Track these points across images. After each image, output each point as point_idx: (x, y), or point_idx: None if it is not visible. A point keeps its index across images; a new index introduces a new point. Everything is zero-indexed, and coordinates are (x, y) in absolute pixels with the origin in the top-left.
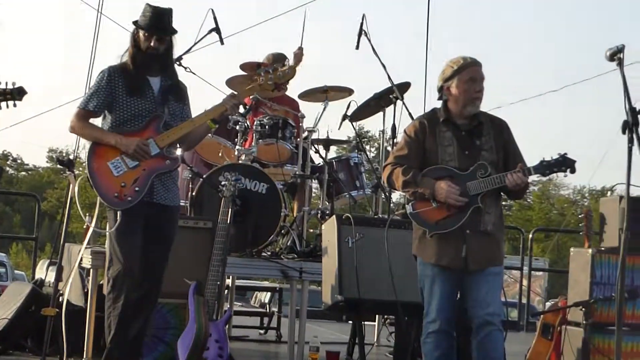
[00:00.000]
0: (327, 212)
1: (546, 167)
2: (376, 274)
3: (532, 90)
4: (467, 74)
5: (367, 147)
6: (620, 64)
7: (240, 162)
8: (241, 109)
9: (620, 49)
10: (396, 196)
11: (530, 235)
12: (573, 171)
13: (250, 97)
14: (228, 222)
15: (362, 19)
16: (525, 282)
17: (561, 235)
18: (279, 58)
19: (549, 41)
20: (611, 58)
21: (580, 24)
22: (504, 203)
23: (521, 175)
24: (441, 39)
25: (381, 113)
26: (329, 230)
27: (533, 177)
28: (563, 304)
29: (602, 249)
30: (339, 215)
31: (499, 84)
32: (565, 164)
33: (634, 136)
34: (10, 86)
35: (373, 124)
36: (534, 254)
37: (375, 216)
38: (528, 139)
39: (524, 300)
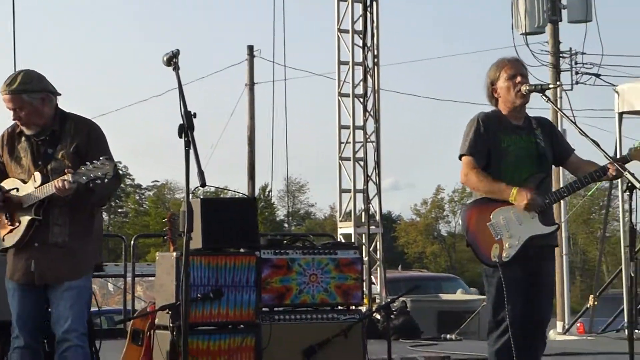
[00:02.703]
0: None
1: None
2: None
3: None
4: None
5: None
6: (176, 68)
7: None
8: None
9: (176, 54)
10: None
11: (132, 242)
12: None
13: None
14: None
15: None
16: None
17: None
18: None
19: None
20: (168, 63)
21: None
22: (122, 210)
23: (63, 180)
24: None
25: None
26: None
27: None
28: (152, 308)
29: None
30: None
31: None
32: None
33: (190, 140)
34: None
35: None
36: (149, 259)
37: None
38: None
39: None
